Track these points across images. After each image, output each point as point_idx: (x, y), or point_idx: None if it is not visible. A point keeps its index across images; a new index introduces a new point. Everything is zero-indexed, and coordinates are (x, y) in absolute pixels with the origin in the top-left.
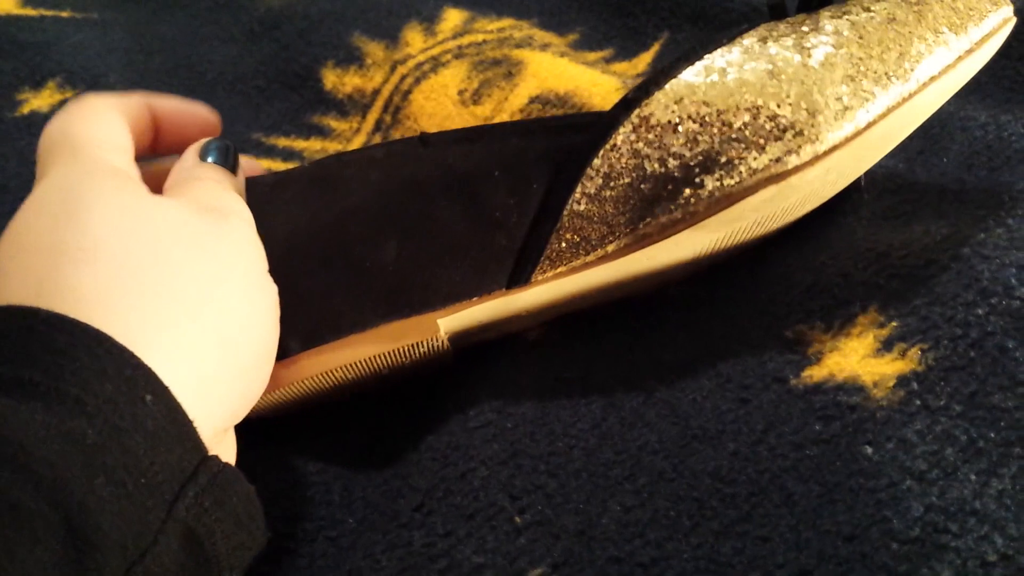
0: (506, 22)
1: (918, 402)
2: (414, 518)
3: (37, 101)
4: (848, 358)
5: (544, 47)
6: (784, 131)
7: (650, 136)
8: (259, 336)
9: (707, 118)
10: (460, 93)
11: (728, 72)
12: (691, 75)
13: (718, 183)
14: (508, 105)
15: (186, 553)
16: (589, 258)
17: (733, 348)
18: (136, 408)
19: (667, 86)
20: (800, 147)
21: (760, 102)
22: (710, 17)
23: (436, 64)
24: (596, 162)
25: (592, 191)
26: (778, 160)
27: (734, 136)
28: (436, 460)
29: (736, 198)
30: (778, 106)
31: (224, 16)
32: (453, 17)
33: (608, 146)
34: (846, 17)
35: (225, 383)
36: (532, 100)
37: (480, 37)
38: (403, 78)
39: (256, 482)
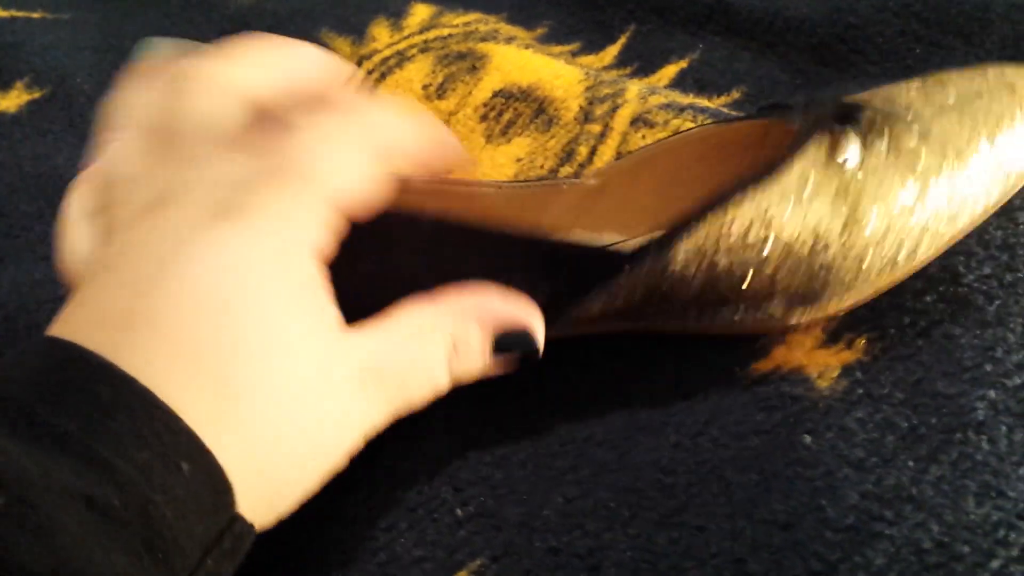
0: (473, 16)
1: (861, 391)
2: (357, 512)
3: (5, 102)
4: (795, 350)
5: (509, 40)
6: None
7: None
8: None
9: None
10: (425, 88)
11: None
12: None
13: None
14: (472, 100)
15: None
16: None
17: (680, 341)
18: (169, 477)
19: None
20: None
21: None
22: (675, 9)
23: (401, 59)
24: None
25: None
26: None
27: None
28: (383, 453)
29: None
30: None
31: (196, 15)
32: (420, 12)
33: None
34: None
35: (281, 476)
36: (495, 94)
37: (446, 31)
38: (368, 73)
39: None
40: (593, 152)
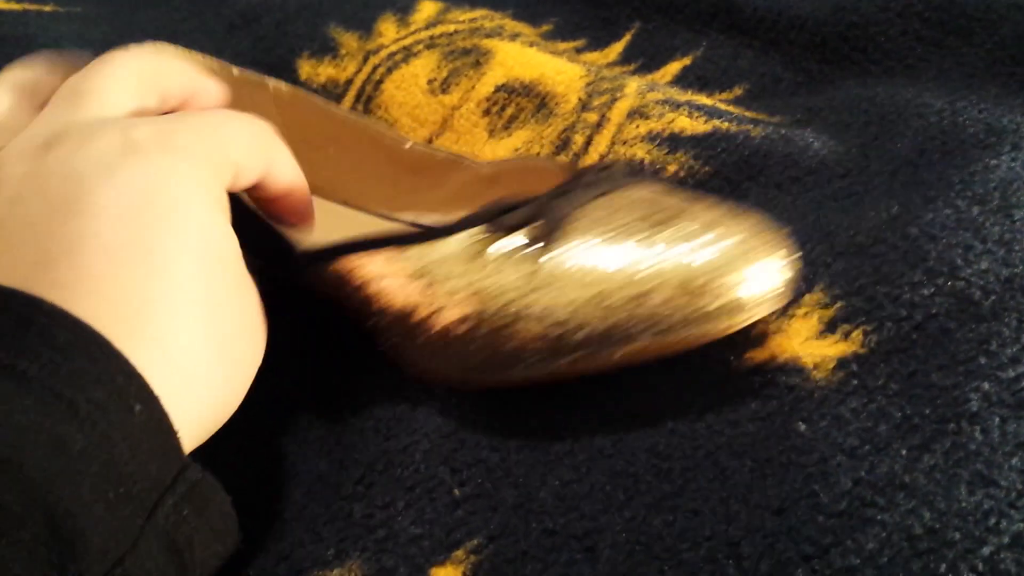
0: (479, 12)
1: (856, 382)
2: (356, 490)
3: None
4: (791, 340)
5: (514, 37)
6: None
7: None
8: (250, 336)
9: None
10: (430, 82)
11: None
12: None
13: None
14: (475, 94)
15: (167, 560)
16: None
17: None
18: (124, 417)
19: None
20: None
21: None
22: (680, 7)
23: (408, 54)
24: None
25: None
26: None
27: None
28: (380, 433)
29: None
30: None
31: (205, 10)
32: (427, 8)
33: None
34: None
35: (214, 386)
36: (498, 89)
37: (452, 27)
38: (375, 68)
39: (202, 458)
40: (588, 142)
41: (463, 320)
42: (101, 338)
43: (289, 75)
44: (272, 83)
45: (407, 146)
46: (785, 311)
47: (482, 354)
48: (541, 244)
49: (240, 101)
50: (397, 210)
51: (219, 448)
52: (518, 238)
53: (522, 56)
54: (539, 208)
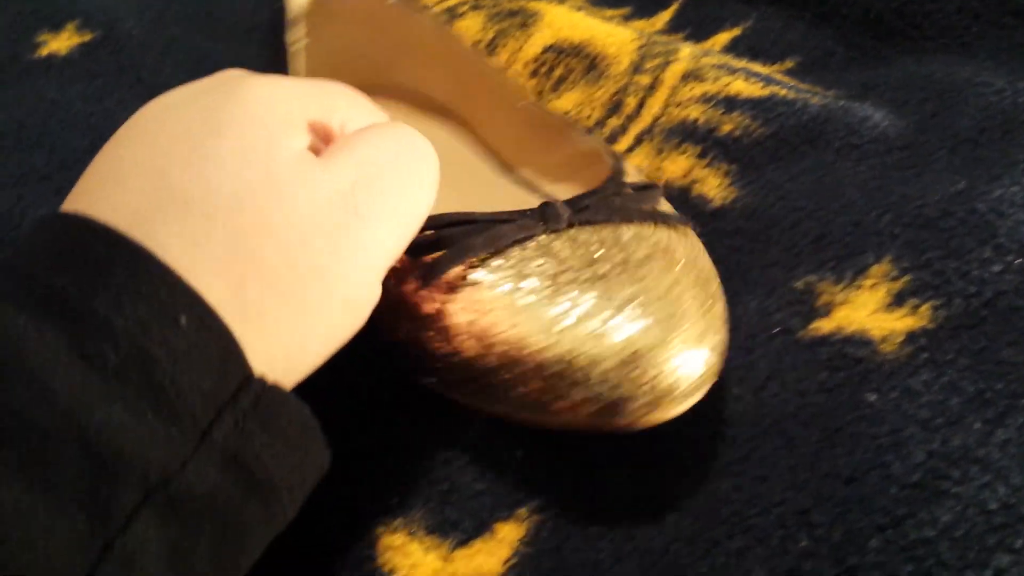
0: None
1: (925, 355)
2: (414, 442)
3: (56, 43)
4: (858, 311)
5: (561, 0)
6: None
7: None
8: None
9: None
10: (475, 44)
11: None
12: None
13: None
14: (522, 55)
15: (230, 479)
16: None
17: (741, 299)
18: (167, 330)
19: None
20: None
21: None
22: None
23: (452, 15)
24: None
25: None
26: None
27: None
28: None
29: None
30: None
31: None
32: None
33: None
34: None
35: (282, 316)
36: (546, 49)
37: None
38: None
39: None
40: (641, 104)
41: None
42: (141, 251)
43: None
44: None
45: (520, 104)
46: (852, 281)
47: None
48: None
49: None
50: (519, 164)
51: None
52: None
53: (570, 18)
54: (448, 239)
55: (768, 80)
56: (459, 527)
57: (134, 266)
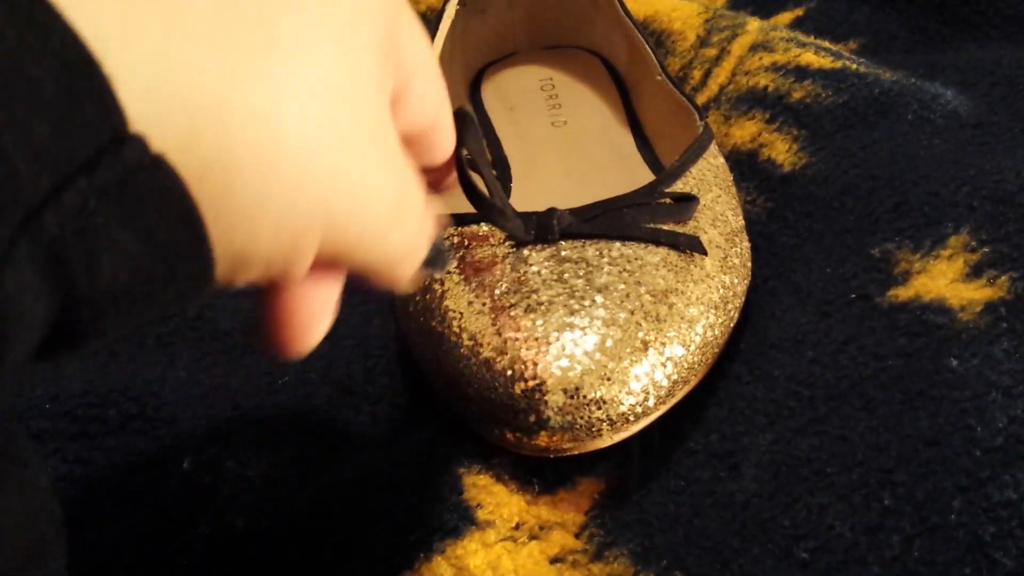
0: None
1: (1005, 325)
2: None
3: None
4: (936, 280)
5: None
6: None
7: None
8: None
9: None
10: None
11: None
12: None
13: None
14: None
15: (44, 283)
16: None
17: (815, 265)
18: None
19: None
20: None
21: None
22: None
23: None
24: None
25: None
26: None
27: None
28: None
29: None
30: None
31: None
32: None
33: None
34: None
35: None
36: None
37: None
38: None
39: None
40: (707, 75)
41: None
42: None
43: None
44: None
45: (658, 76)
46: (930, 251)
47: None
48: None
49: None
50: (657, 139)
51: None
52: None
53: None
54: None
55: (838, 55)
56: (542, 476)
57: None
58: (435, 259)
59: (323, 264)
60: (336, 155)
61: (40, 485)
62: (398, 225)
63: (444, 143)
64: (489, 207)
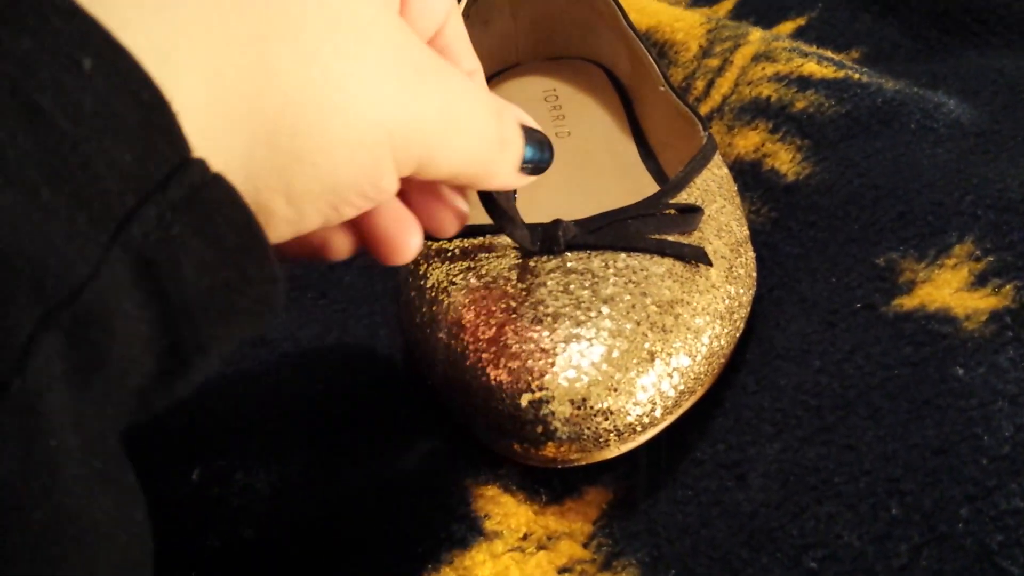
0: None
1: (1010, 334)
2: None
3: None
4: (941, 290)
5: None
6: None
7: None
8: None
9: None
10: None
11: None
12: None
13: None
14: None
15: (138, 290)
16: None
17: (820, 275)
18: (63, 75)
19: None
20: None
21: None
22: None
23: None
24: None
25: None
26: None
27: None
28: None
29: None
30: None
31: None
32: None
33: None
34: None
35: (246, 76)
36: None
37: None
38: None
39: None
40: (710, 85)
41: None
42: None
43: None
44: None
45: (661, 87)
46: (935, 260)
47: None
48: None
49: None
50: (661, 149)
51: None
52: None
53: (638, 3)
54: None
55: (841, 65)
56: (549, 486)
57: None
58: (537, 150)
59: (414, 181)
60: (375, 76)
61: (138, 517)
62: (459, 124)
63: (462, 48)
64: (501, 212)
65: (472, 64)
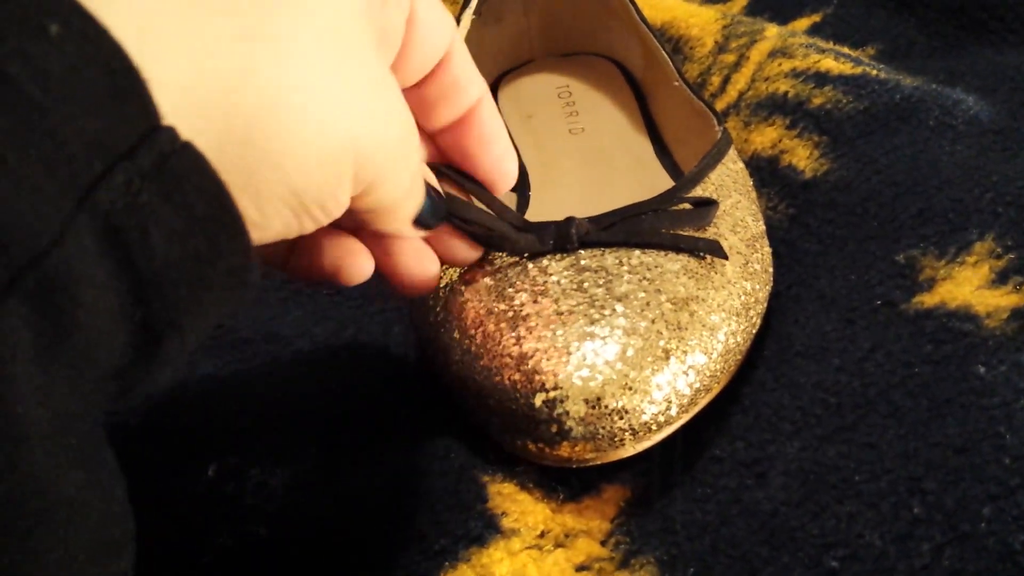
0: None
1: None
2: None
3: None
4: (961, 287)
5: None
6: None
7: None
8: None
9: None
10: None
11: None
12: None
13: None
14: None
15: (105, 256)
16: None
17: (839, 272)
18: (30, 42)
19: None
20: None
21: None
22: None
23: None
24: None
25: None
26: None
27: None
28: None
29: None
30: None
31: None
32: None
33: None
34: None
35: (215, 46)
36: None
37: None
38: None
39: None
40: (726, 80)
41: None
42: None
43: None
44: None
45: (675, 82)
46: (955, 257)
47: None
48: None
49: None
50: (675, 145)
51: None
52: None
53: (651, 0)
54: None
55: (858, 61)
56: (567, 484)
57: None
58: (431, 208)
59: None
60: (351, 91)
61: (117, 495)
62: (407, 157)
63: (470, 75)
64: (496, 240)
65: (480, 90)
